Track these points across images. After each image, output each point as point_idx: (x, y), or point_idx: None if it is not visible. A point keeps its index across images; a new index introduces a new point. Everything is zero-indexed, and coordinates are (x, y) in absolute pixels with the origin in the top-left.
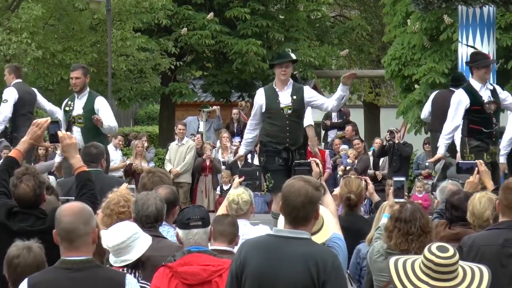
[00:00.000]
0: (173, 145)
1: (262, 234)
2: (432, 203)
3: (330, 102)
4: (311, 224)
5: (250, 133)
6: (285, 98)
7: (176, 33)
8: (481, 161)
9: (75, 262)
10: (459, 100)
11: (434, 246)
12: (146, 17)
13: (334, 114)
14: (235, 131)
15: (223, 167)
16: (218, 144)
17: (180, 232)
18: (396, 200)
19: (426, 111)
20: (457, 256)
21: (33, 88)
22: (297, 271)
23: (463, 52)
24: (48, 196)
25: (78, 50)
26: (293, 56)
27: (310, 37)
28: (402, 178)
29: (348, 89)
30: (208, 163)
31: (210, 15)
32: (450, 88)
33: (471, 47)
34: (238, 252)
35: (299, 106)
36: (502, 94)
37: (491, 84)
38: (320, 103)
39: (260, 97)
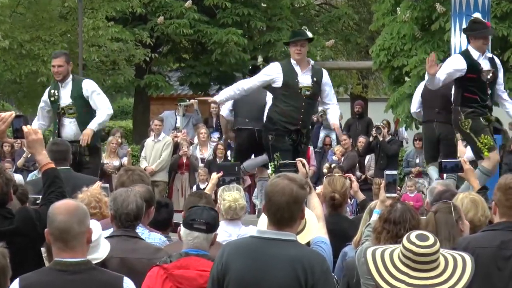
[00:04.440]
0: (149, 142)
1: (245, 236)
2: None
3: (331, 113)
4: (296, 225)
5: (238, 94)
6: (305, 78)
7: (152, 22)
8: (464, 159)
9: (70, 264)
10: (455, 63)
11: (413, 235)
12: (120, 5)
13: None
14: (214, 126)
15: (200, 164)
16: (196, 140)
17: (182, 230)
18: (388, 194)
19: (416, 104)
20: (438, 244)
21: None
22: (283, 275)
23: (456, 42)
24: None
25: (47, 40)
26: (310, 35)
27: (293, 27)
28: (394, 172)
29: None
30: (184, 160)
31: (188, 2)
32: None
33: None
34: (220, 255)
35: (317, 89)
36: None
37: (490, 53)
38: (325, 96)
39: (276, 71)
